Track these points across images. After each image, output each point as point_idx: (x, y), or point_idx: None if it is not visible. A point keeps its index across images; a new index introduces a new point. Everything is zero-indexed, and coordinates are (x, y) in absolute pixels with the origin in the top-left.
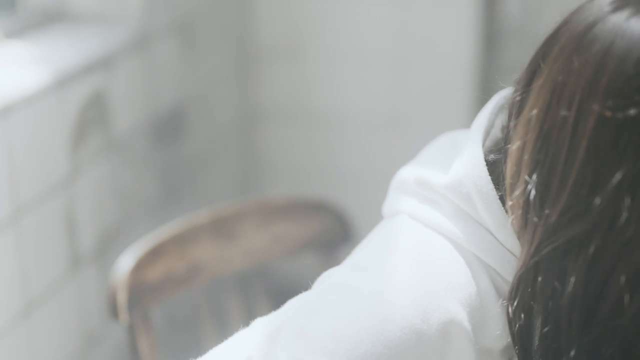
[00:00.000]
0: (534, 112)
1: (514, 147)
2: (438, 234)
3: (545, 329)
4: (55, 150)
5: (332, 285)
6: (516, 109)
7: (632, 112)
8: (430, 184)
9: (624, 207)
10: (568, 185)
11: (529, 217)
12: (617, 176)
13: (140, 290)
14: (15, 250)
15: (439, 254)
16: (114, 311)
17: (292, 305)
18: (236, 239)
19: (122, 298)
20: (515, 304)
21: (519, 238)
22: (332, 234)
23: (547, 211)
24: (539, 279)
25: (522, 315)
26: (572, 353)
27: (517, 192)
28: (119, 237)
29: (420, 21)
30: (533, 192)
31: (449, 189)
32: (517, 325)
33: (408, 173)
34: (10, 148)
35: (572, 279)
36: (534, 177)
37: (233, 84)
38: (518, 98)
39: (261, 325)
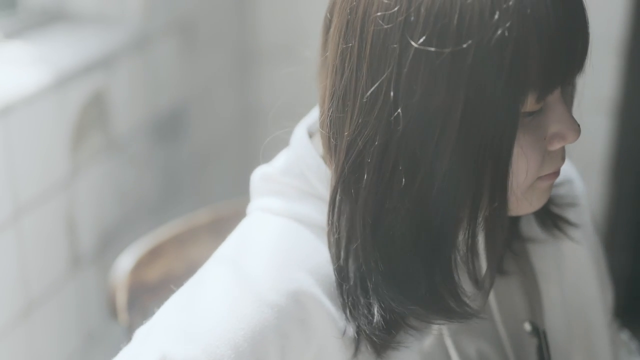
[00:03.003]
0: (328, 54)
1: (319, 94)
2: (286, 218)
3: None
4: (55, 150)
5: (192, 281)
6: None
7: (398, 19)
8: (271, 176)
9: (391, 102)
10: (357, 104)
11: (331, 144)
12: (385, 75)
13: (140, 291)
14: (15, 250)
15: (286, 233)
16: (113, 311)
17: (162, 307)
18: None
19: (121, 298)
20: (331, 221)
21: (329, 168)
22: None
23: (345, 133)
24: (342, 191)
25: (336, 225)
26: (367, 249)
27: (321, 122)
28: (119, 237)
29: None
30: (331, 119)
31: (285, 174)
32: (334, 238)
33: (254, 174)
34: (10, 148)
35: (365, 178)
36: (331, 106)
37: (233, 84)
38: (322, 57)
39: (138, 333)
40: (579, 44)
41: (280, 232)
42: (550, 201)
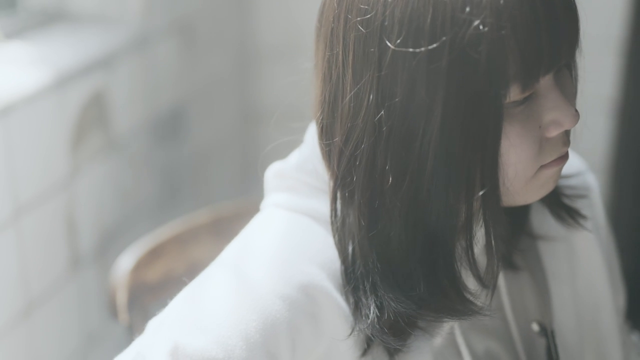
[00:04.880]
0: (316, 62)
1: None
2: (298, 214)
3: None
4: (55, 150)
5: (203, 276)
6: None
7: (375, 24)
8: (284, 172)
9: (374, 105)
10: (345, 109)
11: (325, 150)
12: (365, 78)
13: (140, 290)
14: (15, 250)
15: (298, 228)
16: (113, 311)
17: (174, 299)
18: None
19: (122, 298)
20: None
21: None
22: None
23: (336, 139)
24: (342, 192)
25: (337, 228)
26: (364, 242)
27: (317, 131)
28: (119, 237)
29: None
30: (322, 126)
31: (298, 170)
32: (336, 236)
33: (268, 171)
34: (10, 148)
35: (356, 180)
36: (322, 113)
37: (233, 84)
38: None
39: (150, 324)
40: (563, 30)
41: (292, 227)
42: (561, 191)
